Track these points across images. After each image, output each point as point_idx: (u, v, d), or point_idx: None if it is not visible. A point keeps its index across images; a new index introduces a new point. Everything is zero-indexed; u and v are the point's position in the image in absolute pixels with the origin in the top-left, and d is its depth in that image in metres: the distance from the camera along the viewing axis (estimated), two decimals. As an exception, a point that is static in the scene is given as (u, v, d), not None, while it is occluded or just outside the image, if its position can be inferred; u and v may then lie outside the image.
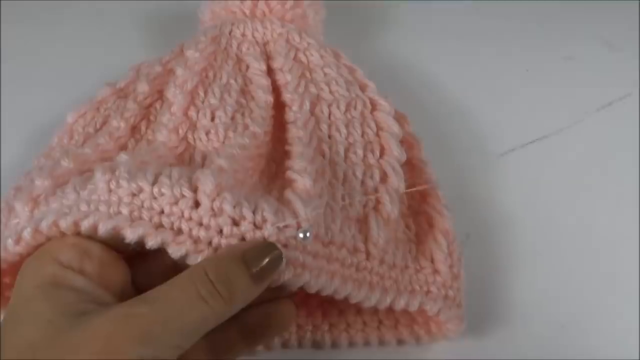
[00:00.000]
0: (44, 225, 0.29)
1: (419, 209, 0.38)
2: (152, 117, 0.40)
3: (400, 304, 0.33)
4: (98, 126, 0.39)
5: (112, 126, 0.38)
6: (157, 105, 0.40)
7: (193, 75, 0.39)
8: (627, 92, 0.52)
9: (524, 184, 0.45)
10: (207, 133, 0.37)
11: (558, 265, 0.40)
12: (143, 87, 0.40)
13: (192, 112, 0.38)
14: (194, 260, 0.28)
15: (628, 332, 0.36)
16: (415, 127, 0.41)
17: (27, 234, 0.30)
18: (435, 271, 0.35)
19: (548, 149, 0.47)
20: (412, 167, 0.40)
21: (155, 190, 0.29)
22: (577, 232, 0.42)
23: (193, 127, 0.37)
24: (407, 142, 0.40)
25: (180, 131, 0.37)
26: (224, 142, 0.36)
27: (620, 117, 0.51)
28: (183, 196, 0.29)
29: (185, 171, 0.30)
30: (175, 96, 0.38)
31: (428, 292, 0.34)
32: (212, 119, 0.37)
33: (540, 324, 0.36)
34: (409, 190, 0.36)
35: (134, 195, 0.29)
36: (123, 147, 0.37)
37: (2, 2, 0.60)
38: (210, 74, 0.40)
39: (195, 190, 0.29)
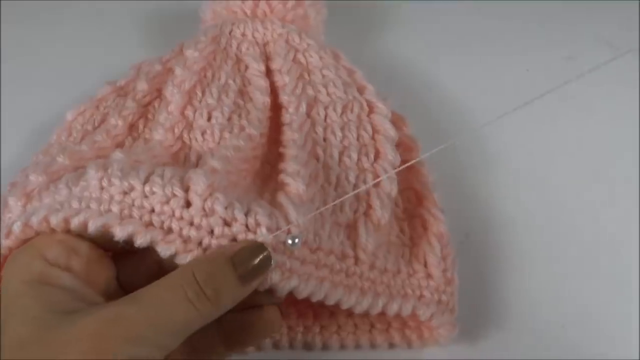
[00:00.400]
0: (35, 221, 0.29)
1: (414, 212, 0.38)
2: (150, 116, 0.40)
3: (393, 309, 0.33)
4: (96, 124, 0.40)
5: (109, 124, 0.38)
6: (156, 103, 0.40)
7: (191, 74, 0.39)
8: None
9: (523, 185, 0.45)
10: (203, 133, 0.37)
11: (558, 266, 0.40)
12: (142, 86, 0.40)
13: (189, 112, 0.38)
14: (183, 259, 0.28)
15: (628, 332, 0.36)
16: (415, 127, 0.41)
17: (16, 227, 0.30)
18: (429, 275, 0.34)
19: (547, 149, 0.47)
20: (409, 169, 0.39)
21: (147, 188, 0.29)
22: (577, 232, 0.42)
23: (189, 126, 0.37)
24: (405, 145, 0.40)
25: (176, 130, 0.37)
26: (219, 143, 0.36)
27: (620, 117, 0.50)
28: (174, 195, 0.29)
29: (178, 171, 0.30)
30: (172, 95, 0.38)
31: (421, 296, 0.34)
32: (209, 119, 0.37)
33: (540, 324, 0.36)
34: (400, 167, 0.35)
35: (125, 193, 0.29)
36: (120, 145, 0.37)
37: (2, 2, 0.60)
38: (209, 74, 0.40)
39: (187, 190, 0.29)
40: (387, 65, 0.54)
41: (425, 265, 0.35)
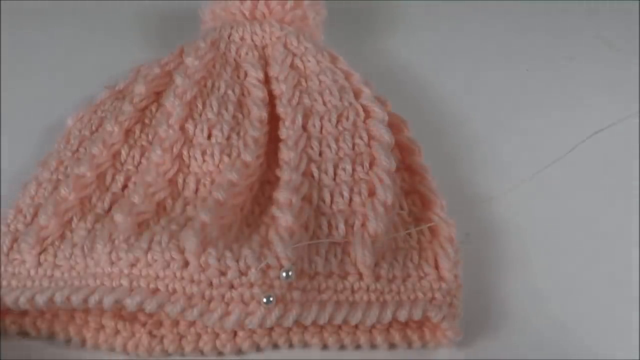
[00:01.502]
0: (59, 299, 0.32)
1: (421, 216, 0.38)
2: (147, 120, 0.40)
3: (402, 316, 0.33)
4: (94, 128, 0.40)
5: (105, 131, 0.39)
6: (153, 107, 0.40)
7: (192, 85, 0.40)
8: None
9: (523, 186, 0.45)
10: (203, 153, 0.37)
11: (558, 266, 0.39)
12: (140, 89, 0.40)
13: (189, 125, 0.38)
14: (190, 315, 0.31)
15: (628, 332, 0.36)
16: (415, 128, 0.41)
17: (41, 300, 0.32)
18: (440, 278, 0.34)
19: (546, 150, 0.47)
20: (412, 173, 0.40)
21: (149, 257, 0.32)
22: (577, 232, 0.42)
23: (189, 142, 0.38)
24: (407, 148, 0.40)
25: (175, 149, 0.37)
26: (218, 166, 0.37)
27: (619, 117, 0.50)
28: (173, 259, 0.32)
29: (174, 229, 0.33)
30: (174, 107, 0.39)
31: (432, 299, 0.34)
32: (209, 136, 0.38)
33: (540, 324, 0.36)
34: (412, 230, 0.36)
35: (132, 265, 0.32)
36: (117, 155, 0.38)
37: (2, 2, 0.60)
38: (209, 83, 0.41)
39: (182, 251, 0.32)
40: (388, 66, 0.54)
41: (437, 268, 0.35)
